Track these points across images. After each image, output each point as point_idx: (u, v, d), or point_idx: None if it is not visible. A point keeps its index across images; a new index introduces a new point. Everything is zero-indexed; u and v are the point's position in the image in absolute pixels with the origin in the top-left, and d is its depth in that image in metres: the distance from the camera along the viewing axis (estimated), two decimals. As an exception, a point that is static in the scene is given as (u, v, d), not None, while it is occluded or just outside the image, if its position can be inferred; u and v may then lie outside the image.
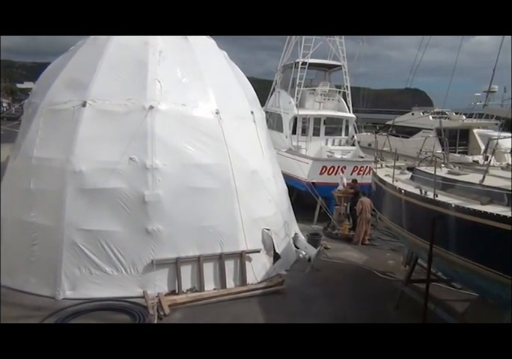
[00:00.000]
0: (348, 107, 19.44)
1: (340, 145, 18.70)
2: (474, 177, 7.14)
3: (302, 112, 18.13)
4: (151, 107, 9.19)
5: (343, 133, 19.00)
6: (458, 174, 7.81)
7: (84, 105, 9.18)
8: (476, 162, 15.01)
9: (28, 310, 8.02)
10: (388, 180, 8.93)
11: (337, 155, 17.17)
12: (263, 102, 16.44)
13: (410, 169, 9.49)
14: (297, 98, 18.57)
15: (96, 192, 8.77)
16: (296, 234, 12.19)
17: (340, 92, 19.79)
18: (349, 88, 19.65)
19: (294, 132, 18.08)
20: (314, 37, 18.66)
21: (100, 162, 8.86)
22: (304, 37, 18.85)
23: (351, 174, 15.20)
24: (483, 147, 18.19)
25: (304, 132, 18.25)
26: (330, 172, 15.38)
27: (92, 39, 10.43)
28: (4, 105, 56.76)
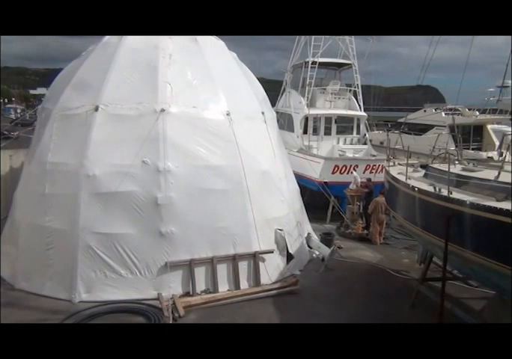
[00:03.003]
0: (359, 105, 19.35)
1: (351, 144, 18.61)
2: (488, 173, 7.04)
3: (312, 111, 18.08)
4: (162, 110, 9.26)
5: (354, 132, 18.90)
6: (472, 171, 7.72)
7: (96, 109, 9.28)
8: (491, 158, 14.82)
9: (45, 313, 8.11)
10: (401, 178, 8.85)
11: (349, 154, 17.09)
12: (273, 103, 16.45)
13: (423, 166, 9.41)
14: (308, 97, 18.52)
15: (109, 196, 8.84)
16: (309, 234, 12.17)
17: (350, 90, 19.69)
18: (359, 86, 19.53)
19: (305, 131, 18.05)
20: (324, 36, 18.60)
21: (113, 166, 8.95)
22: (313, 36, 18.80)
23: (363, 173, 15.12)
24: (497, 143, 17.95)
25: (315, 131, 18.20)
26: (342, 171, 15.31)
27: (102, 44, 10.56)
28: (19, 111, 57.71)
